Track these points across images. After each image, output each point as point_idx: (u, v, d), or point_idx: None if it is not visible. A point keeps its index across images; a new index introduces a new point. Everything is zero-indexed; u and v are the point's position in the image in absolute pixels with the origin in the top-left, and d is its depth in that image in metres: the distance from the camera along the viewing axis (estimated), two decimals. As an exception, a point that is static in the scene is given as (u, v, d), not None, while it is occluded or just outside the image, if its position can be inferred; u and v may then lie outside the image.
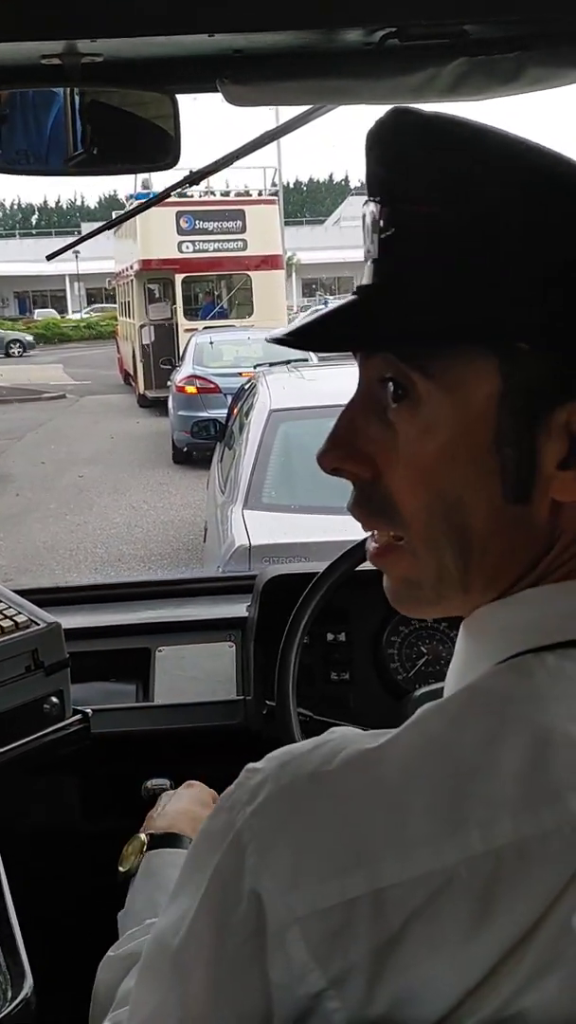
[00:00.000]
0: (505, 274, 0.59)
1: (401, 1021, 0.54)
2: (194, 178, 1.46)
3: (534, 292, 0.59)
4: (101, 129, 1.26)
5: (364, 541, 1.43)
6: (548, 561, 0.63)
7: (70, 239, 2.15)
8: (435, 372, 0.60)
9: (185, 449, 11.29)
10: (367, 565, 1.44)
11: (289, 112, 1.38)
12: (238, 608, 1.85)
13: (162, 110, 1.20)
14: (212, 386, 11.78)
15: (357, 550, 1.45)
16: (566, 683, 0.59)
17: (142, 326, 18.36)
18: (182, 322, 17.85)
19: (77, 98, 1.24)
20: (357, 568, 1.46)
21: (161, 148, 1.22)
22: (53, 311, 44.34)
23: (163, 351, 16.86)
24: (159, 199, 1.78)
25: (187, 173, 1.48)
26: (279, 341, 0.65)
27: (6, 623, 1.34)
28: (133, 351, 19.07)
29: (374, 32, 1.01)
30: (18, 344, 32.41)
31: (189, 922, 0.60)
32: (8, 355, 30.98)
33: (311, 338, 0.68)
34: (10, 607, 1.39)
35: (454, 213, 0.60)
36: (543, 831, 0.54)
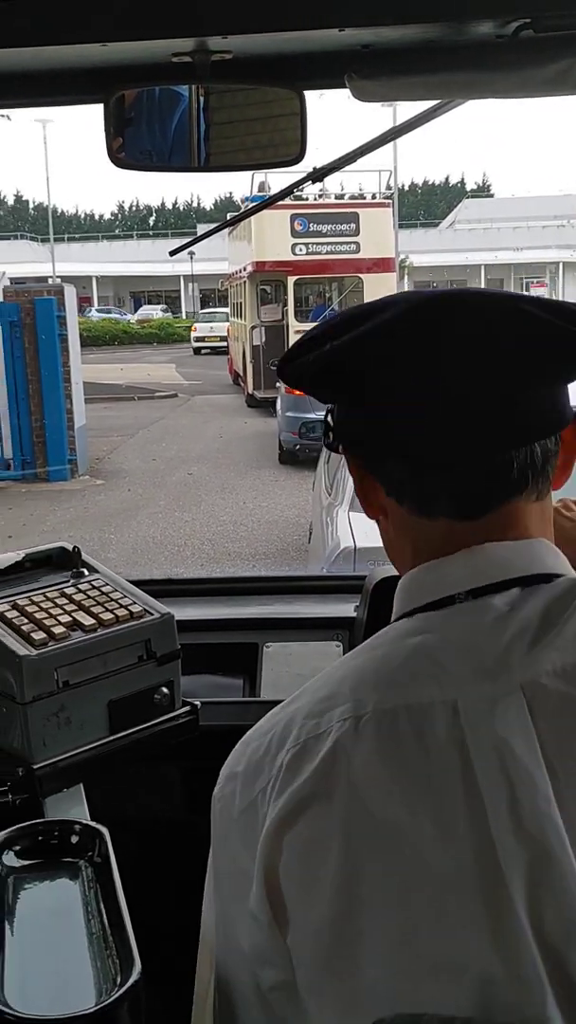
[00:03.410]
0: None
1: None
2: (316, 176, 1.47)
3: None
4: (226, 127, 1.27)
5: None
6: None
7: (186, 240, 2.18)
8: None
9: (296, 448, 11.32)
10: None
11: (409, 111, 1.36)
12: (345, 608, 1.84)
13: (288, 107, 1.20)
14: (321, 388, 11.75)
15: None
16: None
17: (253, 327, 18.50)
18: (293, 324, 17.90)
19: (202, 98, 1.25)
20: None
21: (286, 145, 1.22)
22: (157, 309, 45.12)
23: (273, 352, 16.96)
24: (280, 196, 1.79)
25: (306, 173, 1.49)
26: None
27: (121, 612, 1.36)
28: (243, 352, 19.24)
29: (508, 24, 1.00)
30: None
31: None
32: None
33: None
34: (125, 596, 1.40)
35: None
36: None
